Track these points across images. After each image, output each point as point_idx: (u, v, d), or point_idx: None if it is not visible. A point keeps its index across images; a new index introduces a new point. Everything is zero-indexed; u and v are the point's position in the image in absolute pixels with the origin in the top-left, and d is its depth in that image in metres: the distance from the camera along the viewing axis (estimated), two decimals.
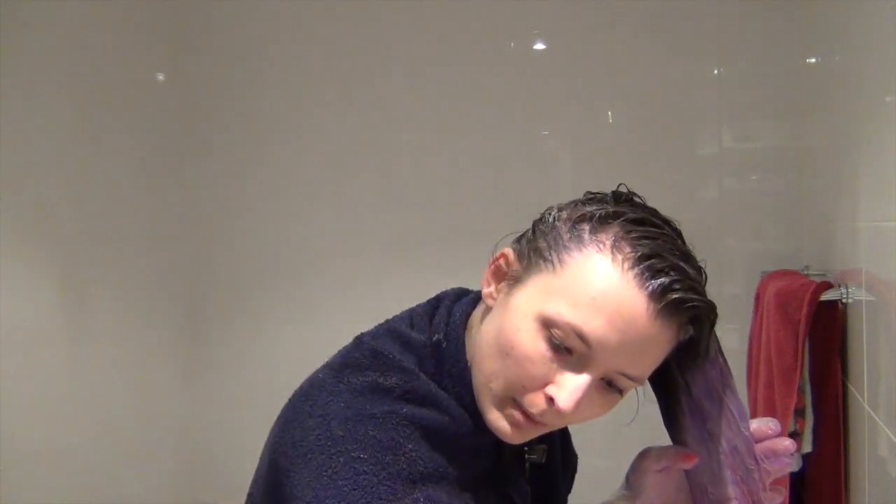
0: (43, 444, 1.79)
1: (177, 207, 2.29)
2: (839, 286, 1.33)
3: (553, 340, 0.64)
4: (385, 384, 0.68)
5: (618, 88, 2.01)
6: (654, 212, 0.70)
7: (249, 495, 0.77)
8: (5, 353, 1.69)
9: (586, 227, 0.67)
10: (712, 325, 0.68)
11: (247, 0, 2.25)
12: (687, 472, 0.77)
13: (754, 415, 1.58)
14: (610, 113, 2.02)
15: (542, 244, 0.68)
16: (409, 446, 0.65)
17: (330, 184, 2.22)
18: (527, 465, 0.80)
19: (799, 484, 1.43)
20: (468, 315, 0.76)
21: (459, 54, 2.11)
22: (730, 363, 2.03)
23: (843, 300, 1.31)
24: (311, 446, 0.66)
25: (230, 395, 2.29)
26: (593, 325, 0.63)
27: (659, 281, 0.63)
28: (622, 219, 0.66)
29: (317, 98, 2.22)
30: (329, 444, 0.65)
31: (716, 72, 1.95)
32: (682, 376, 0.73)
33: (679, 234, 0.70)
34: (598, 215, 0.67)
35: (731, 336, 1.93)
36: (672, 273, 0.64)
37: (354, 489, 0.62)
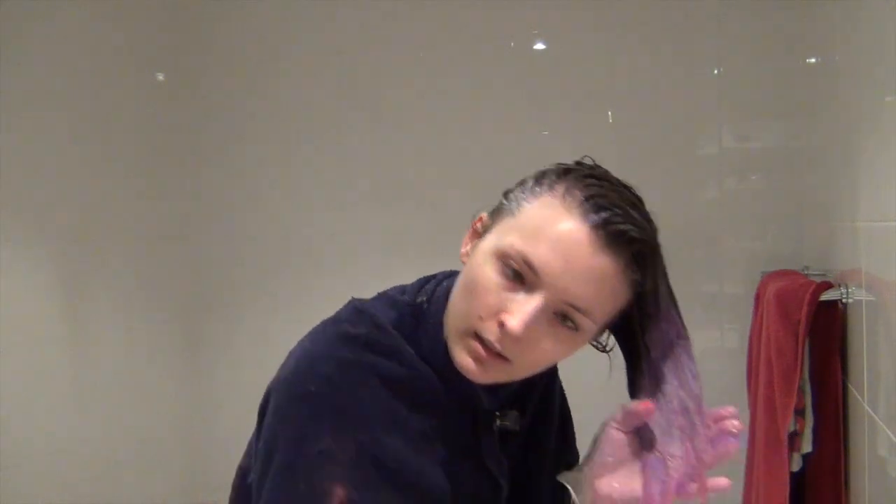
0: (43, 444, 1.79)
1: (177, 207, 2.29)
2: (839, 286, 1.33)
3: (506, 270, 0.70)
4: (352, 332, 0.75)
5: (618, 88, 2.01)
6: (609, 174, 0.77)
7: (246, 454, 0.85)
8: (6, 353, 1.69)
9: (545, 180, 0.75)
10: (657, 265, 0.73)
11: (247, 0, 2.26)
12: (639, 432, 0.77)
13: (754, 415, 1.58)
14: (610, 113, 2.02)
15: (509, 198, 0.77)
16: (363, 391, 0.72)
17: (330, 183, 2.22)
18: (496, 426, 0.81)
19: (799, 484, 1.43)
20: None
21: (460, 54, 2.11)
22: (730, 363, 2.04)
23: (843, 300, 1.31)
24: (281, 381, 0.74)
25: (230, 395, 2.29)
26: (539, 251, 0.69)
27: (601, 215, 0.69)
28: (577, 173, 0.75)
29: (317, 98, 2.22)
30: (292, 378, 0.73)
31: (716, 72, 1.95)
32: (643, 339, 0.75)
33: (636, 197, 0.77)
34: (557, 171, 0.76)
35: (731, 336, 1.93)
36: (615, 209, 0.70)
37: (301, 422, 0.70)
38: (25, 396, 1.74)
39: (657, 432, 0.74)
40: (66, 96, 1.89)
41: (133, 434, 2.08)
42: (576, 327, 0.71)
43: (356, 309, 0.79)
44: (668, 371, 0.74)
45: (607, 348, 0.79)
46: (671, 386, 0.73)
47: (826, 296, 1.33)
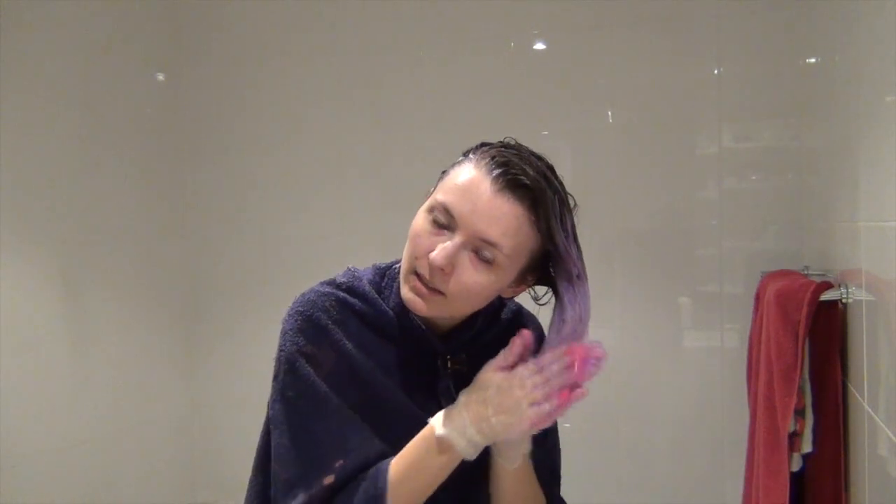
0: (43, 444, 1.79)
1: (176, 207, 2.29)
2: (839, 286, 1.33)
3: (435, 220, 0.89)
4: (337, 280, 0.98)
5: (618, 88, 2.01)
6: (522, 148, 0.92)
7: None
8: (5, 353, 1.69)
9: (469, 152, 0.93)
10: (555, 213, 0.87)
11: (247, 1, 2.26)
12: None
13: (754, 415, 1.58)
14: (610, 113, 2.02)
15: (446, 170, 0.94)
16: (341, 316, 0.93)
17: (329, 184, 2.22)
18: (450, 369, 0.98)
19: (799, 484, 1.43)
20: None
21: (459, 54, 2.11)
22: (730, 363, 2.03)
23: (843, 300, 1.31)
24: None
25: (230, 395, 2.29)
26: (452, 199, 0.87)
27: (500, 169, 0.87)
28: (494, 146, 0.92)
29: (316, 98, 2.22)
30: (291, 306, 0.96)
31: (716, 72, 1.95)
32: (553, 273, 0.93)
33: (545, 165, 0.91)
34: (478, 145, 0.93)
35: (731, 336, 1.93)
36: (513, 166, 0.87)
37: (293, 334, 0.93)
38: (25, 396, 1.75)
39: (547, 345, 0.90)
40: (66, 96, 1.89)
41: (132, 434, 2.08)
42: (492, 259, 0.87)
43: (347, 268, 1.02)
44: (569, 301, 0.90)
45: (541, 301, 0.97)
46: (568, 312, 0.90)
47: (826, 296, 1.33)
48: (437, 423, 0.89)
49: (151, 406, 2.17)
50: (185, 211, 2.31)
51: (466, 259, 0.87)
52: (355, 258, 2.15)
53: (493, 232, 0.85)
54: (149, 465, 2.15)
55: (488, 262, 0.87)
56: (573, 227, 0.91)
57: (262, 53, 2.26)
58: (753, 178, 1.96)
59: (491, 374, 0.89)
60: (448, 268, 0.86)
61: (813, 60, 1.78)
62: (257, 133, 2.28)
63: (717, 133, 1.96)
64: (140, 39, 2.17)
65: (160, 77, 2.26)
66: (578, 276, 0.90)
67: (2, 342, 1.68)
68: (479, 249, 0.87)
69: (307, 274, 2.19)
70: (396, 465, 0.89)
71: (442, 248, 0.86)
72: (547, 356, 0.89)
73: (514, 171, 0.86)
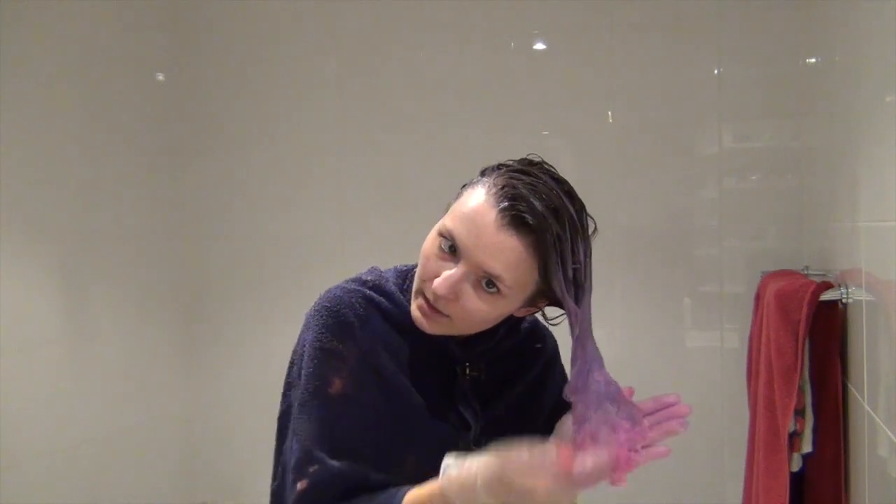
0: (43, 444, 1.79)
1: (176, 207, 2.29)
2: (839, 286, 1.33)
3: (443, 244, 0.89)
4: (363, 278, 0.99)
5: (618, 88, 2.01)
6: (539, 170, 0.89)
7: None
8: (5, 353, 1.69)
9: (484, 174, 0.92)
10: (556, 253, 0.84)
11: (246, 0, 2.26)
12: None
13: (754, 415, 1.58)
14: (610, 113, 2.02)
15: (462, 188, 0.93)
16: (366, 314, 0.94)
17: (329, 184, 2.22)
18: (468, 375, 0.99)
19: (799, 484, 1.43)
20: None
21: (460, 54, 2.11)
22: (730, 363, 2.04)
23: (843, 300, 1.31)
24: (311, 305, 0.97)
25: (230, 395, 2.29)
26: (458, 228, 0.87)
27: (507, 203, 0.85)
28: (509, 168, 0.90)
29: (316, 98, 2.22)
30: (317, 301, 0.96)
31: (716, 72, 1.95)
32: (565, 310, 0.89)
33: (563, 192, 0.87)
34: (495, 166, 0.92)
35: (732, 336, 1.93)
36: (520, 200, 0.84)
37: (319, 328, 0.92)
38: (25, 396, 1.75)
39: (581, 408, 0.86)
40: (66, 96, 1.89)
41: (132, 434, 2.08)
42: (497, 291, 0.87)
43: (371, 267, 1.02)
44: (581, 358, 0.86)
45: (553, 321, 0.96)
46: (592, 366, 0.86)
47: (826, 296, 1.33)
48: (448, 487, 0.82)
49: (151, 406, 2.17)
50: (184, 211, 2.31)
51: (470, 287, 0.87)
52: (354, 258, 2.17)
53: (496, 265, 0.85)
54: (149, 465, 2.15)
55: (492, 292, 0.87)
56: (587, 254, 0.88)
57: (262, 53, 2.26)
58: (753, 178, 1.96)
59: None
60: (451, 295, 0.87)
61: (813, 60, 1.79)
62: (257, 133, 2.27)
63: (717, 133, 1.96)
64: (140, 39, 2.17)
65: (160, 77, 2.26)
66: (583, 326, 0.86)
67: (2, 342, 1.68)
68: (483, 279, 0.87)
69: (307, 273, 2.21)
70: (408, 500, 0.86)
71: (445, 278, 0.87)
72: (588, 462, 0.80)
73: (520, 207, 0.84)
